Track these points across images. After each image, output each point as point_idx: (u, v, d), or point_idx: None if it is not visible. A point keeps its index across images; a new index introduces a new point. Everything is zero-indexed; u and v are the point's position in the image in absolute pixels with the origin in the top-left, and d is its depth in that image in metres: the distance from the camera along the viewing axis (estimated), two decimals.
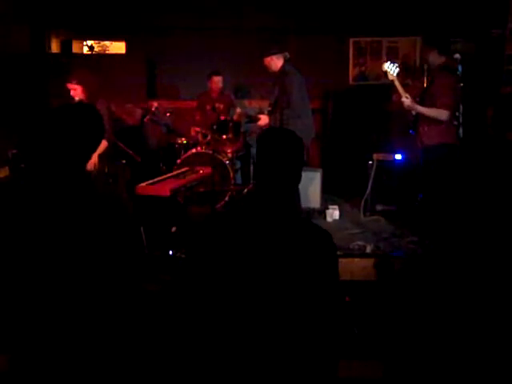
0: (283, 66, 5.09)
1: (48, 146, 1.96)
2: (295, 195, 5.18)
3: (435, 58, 4.49)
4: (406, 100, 4.34)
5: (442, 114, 4.31)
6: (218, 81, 6.44)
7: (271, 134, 1.94)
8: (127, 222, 1.94)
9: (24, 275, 1.82)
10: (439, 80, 4.39)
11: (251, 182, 6.34)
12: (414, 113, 4.52)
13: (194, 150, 5.94)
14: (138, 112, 5.79)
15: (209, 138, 6.03)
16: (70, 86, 4.69)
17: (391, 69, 4.50)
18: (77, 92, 4.67)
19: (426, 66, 4.49)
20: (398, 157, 5.49)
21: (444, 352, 1.61)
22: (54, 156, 1.95)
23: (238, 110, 6.54)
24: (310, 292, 1.66)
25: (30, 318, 1.81)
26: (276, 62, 5.08)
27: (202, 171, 4.91)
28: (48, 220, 1.83)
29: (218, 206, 5.61)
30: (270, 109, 5.33)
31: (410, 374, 1.67)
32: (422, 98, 4.43)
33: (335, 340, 1.71)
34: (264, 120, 5.28)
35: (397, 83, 4.45)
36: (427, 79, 4.57)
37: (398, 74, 4.41)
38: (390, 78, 4.51)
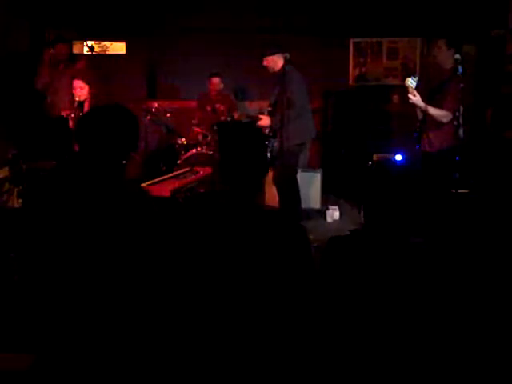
0: (283, 67, 5.09)
1: (89, 148, 1.98)
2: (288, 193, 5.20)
3: (445, 56, 4.38)
4: (414, 98, 4.25)
5: (445, 115, 4.27)
6: (216, 82, 6.44)
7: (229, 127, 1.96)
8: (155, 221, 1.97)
9: (56, 270, 1.83)
10: (449, 86, 4.30)
11: None
12: (420, 117, 4.47)
13: (194, 151, 5.93)
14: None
15: (209, 138, 6.03)
16: (76, 83, 4.66)
17: (412, 83, 4.38)
18: (83, 91, 4.65)
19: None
20: (399, 157, 5.48)
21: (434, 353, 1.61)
22: (94, 157, 1.97)
23: (237, 113, 6.55)
24: (281, 288, 1.66)
25: (65, 315, 1.81)
26: (276, 63, 5.08)
27: (202, 172, 4.91)
28: (81, 215, 1.84)
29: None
30: (270, 109, 5.32)
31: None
32: (428, 101, 4.36)
33: (312, 333, 1.70)
34: (265, 121, 5.27)
35: (410, 89, 4.34)
36: (435, 84, 4.46)
37: (416, 87, 4.33)
38: (410, 90, 4.39)
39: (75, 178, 1.95)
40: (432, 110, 4.28)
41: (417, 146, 4.54)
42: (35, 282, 1.86)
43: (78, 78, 4.68)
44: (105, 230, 1.84)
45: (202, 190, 5.19)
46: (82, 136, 2.01)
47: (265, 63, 5.14)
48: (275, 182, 5.25)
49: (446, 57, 4.40)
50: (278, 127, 5.09)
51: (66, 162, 2.37)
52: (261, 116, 5.37)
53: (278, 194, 5.24)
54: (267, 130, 5.54)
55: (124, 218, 1.87)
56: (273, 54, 5.07)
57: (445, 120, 4.28)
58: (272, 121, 5.15)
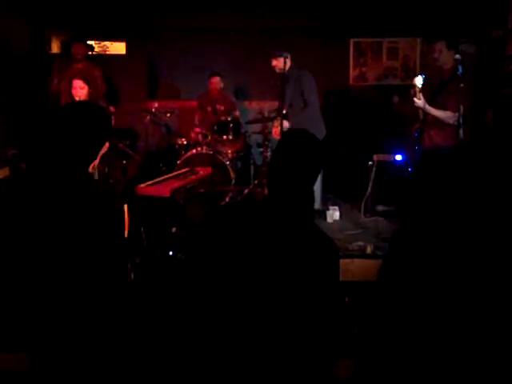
0: (293, 67, 5.09)
1: (54, 145, 1.95)
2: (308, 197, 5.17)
3: (446, 57, 4.38)
4: (419, 101, 4.26)
5: (451, 116, 4.26)
6: (216, 81, 6.44)
7: (290, 136, 1.93)
8: (118, 225, 1.94)
9: (21, 272, 1.82)
10: (450, 86, 4.30)
11: (252, 182, 6.33)
12: (420, 116, 4.47)
13: (194, 151, 5.93)
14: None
15: (209, 138, 6.03)
16: (76, 83, 4.66)
17: (419, 82, 4.38)
18: (83, 91, 4.64)
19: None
20: (399, 157, 5.48)
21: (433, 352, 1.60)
22: (60, 155, 1.94)
23: (237, 113, 6.53)
24: (308, 295, 1.66)
25: (30, 315, 1.81)
26: (286, 63, 5.07)
27: (202, 172, 4.91)
28: (45, 218, 1.82)
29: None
30: (284, 112, 5.15)
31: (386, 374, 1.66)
32: (430, 102, 4.36)
33: (331, 340, 1.70)
34: (285, 124, 5.18)
35: (417, 89, 4.34)
36: (437, 84, 4.45)
37: (422, 85, 4.33)
38: (417, 89, 4.38)
39: (40, 178, 1.93)
40: (436, 112, 4.29)
41: (416, 147, 4.54)
42: (18, 282, 1.85)
43: (78, 78, 4.68)
44: (68, 229, 1.82)
45: (201, 190, 5.19)
46: (47, 133, 1.98)
47: (274, 63, 5.13)
48: None
49: (447, 58, 4.40)
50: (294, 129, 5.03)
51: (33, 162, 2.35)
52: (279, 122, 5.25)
53: None
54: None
55: (86, 216, 1.84)
56: (284, 56, 5.05)
57: (451, 121, 4.26)
58: (290, 124, 5.11)
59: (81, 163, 1.96)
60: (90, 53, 6.42)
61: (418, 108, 4.34)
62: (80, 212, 1.84)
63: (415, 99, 4.24)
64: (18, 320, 1.83)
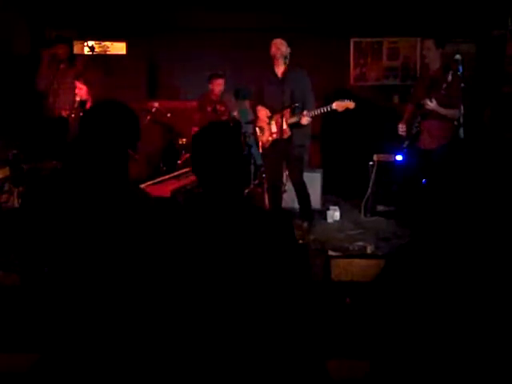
0: (292, 63, 4.98)
1: (93, 143, 1.96)
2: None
3: (434, 56, 4.44)
4: (431, 104, 4.31)
5: (456, 113, 4.31)
6: (220, 83, 6.41)
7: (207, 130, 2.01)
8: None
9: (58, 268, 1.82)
10: (442, 85, 4.35)
11: (252, 182, 6.33)
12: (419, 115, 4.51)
13: None
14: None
15: None
16: (76, 84, 4.69)
17: None
18: (82, 91, 4.67)
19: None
20: (399, 158, 5.48)
21: (440, 351, 1.60)
22: (99, 152, 1.96)
23: (235, 113, 6.51)
24: (272, 283, 1.67)
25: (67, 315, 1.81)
26: (286, 51, 4.96)
27: None
28: (85, 215, 1.83)
29: None
30: (297, 105, 5.02)
31: (398, 374, 1.66)
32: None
33: (311, 340, 1.71)
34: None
35: None
36: (430, 82, 4.50)
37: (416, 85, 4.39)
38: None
39: (77, 177, 1.94)
40: (443, 111, 4.34)
41: (405, 150, 4.59)
42: (35, 282, 1.86)
43: (79, 79, 4.71)
44: (106, 230, 1.84)
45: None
46: (85, 132, 1.99)
47: (277, 45, 4.93)
48: (295, 182, 5.16)
49: (435, 56, 4.48)
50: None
51: (68, 162, 2.36)
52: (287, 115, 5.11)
53: (298, 195, 5.19)
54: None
55: (126, 217, 1.87)
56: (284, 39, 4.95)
57: (456, 117, 4.30)
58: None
59: (117, 163, 1.98)
60: (91, 52, 6.41)
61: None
62: (115, 205, 1.86)
63: (427, 101, 4.30)
64: (34, 319, 1.83)
